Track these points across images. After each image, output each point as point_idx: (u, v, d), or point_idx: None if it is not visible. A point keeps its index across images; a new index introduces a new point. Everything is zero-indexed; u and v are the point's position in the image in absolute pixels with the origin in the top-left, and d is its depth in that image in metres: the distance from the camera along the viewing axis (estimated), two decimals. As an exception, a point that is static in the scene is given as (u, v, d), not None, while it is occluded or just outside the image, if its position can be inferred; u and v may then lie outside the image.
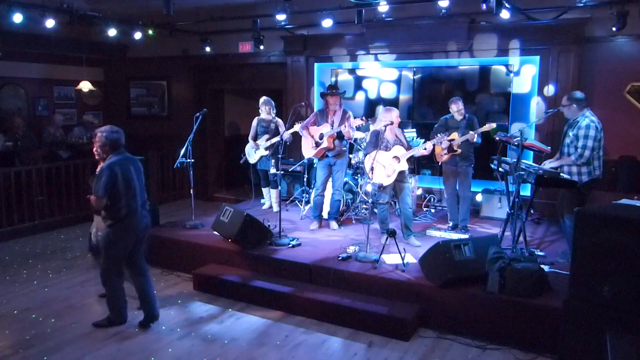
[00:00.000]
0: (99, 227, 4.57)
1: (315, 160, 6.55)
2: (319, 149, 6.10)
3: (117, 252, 4.28)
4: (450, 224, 6.25)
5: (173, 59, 9.80)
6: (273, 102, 7.11)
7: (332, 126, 6.02)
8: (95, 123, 10.18)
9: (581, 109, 4.93)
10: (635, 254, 3.01)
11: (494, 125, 5.76)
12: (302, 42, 8.20)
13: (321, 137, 6.08)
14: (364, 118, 5.94)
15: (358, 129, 6.18)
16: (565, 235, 5.21)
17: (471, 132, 5.73)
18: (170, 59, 9.84)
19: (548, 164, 5.10)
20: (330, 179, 6.30)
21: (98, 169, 4.23)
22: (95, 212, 4.65)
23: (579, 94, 4.99)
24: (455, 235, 5.73)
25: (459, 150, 5.83)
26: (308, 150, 6.24)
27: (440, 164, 6.20)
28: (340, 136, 6.05)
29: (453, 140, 5.84)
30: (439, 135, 5.70)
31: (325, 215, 6.47)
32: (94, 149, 4.29)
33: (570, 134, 4.96)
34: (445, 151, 5.90)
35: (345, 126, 5.89)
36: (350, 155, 6.88)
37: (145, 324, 4.49)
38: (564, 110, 5.03)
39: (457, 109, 5.94)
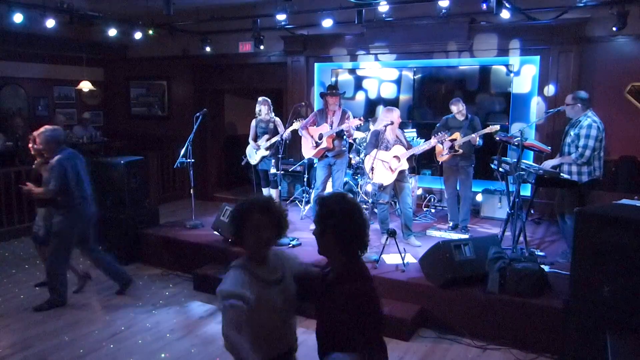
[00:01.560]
0: (43, 218, 5.08)
1: (316, 160, 6.55)
2: (318, 149, 6.09)
3: (70, 237, 4.79)
4: (451, 224, 6.25)
5: (173, 59, 9.80)
6: (270, 102, 7.10)
7: (332, 126, 6.02)
8: (90, 119, 10.12)
9: (585, 109, 4.93)
10: (635, 254, 3.01)
11: (497, 127, 5.77)
12: (302, 42, 8.20)
13: (320, 137, 6.08)
14: (362, 118, 5.93)
15: (357, 128, 6.18)
16: (565, 235, 5.21)
17: (473, 135, 5.73)
18: (170, 59, 9.84)
19: (549, 163, 5.10)
20: (331, 179, 6.30)
21: (49, 165, 4.66)
22: (41, 206, 5.08)
23: (584, 94, 4.99)
24: (455, 235, 5.72)
25: (461, 151, 5.84)
26: (308, 150, 6.23)
27: (440, 163, 6.20)
28: (339, 136, 6.05)
29: (455, 140, 5.84)
30: (439, 134, 5.69)
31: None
32: (31, 145, 4.87)
33: (572, 133, 4.95)
34: (446, 151, 5.90)
35: (346, 126, 5.89)
36: (350, 155, 6.88)
37: (122, 290, 5.23)
38: (567, 109, 5.02)
39: (458, 110, 5.94)
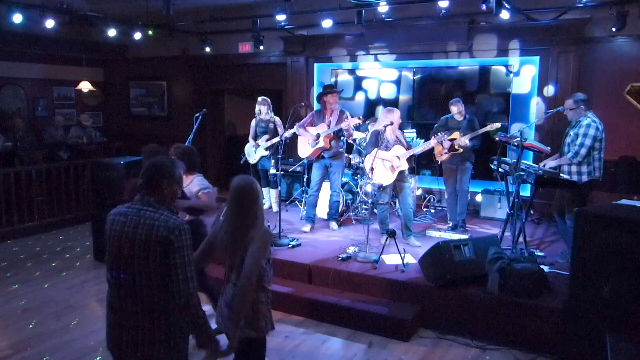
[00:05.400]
0: None
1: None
2: (314, 148, 6.00)
3: None
4: (450, 224, 6.25)
5: (173, 59, 9.80)
6: (270, 102, 7.10)
7: (329, 126, 5.95)
8: (87, 123, 10.09)
9: (586, 109, 4.94)
10: (635, 254, 3.01)
11: (498, 125, 5.80)
12: (302, 42, 8.20)
13: (318, 137, 6.01)
14: (361, 117, 5.88)
15: (357, 128, 6.13)
16: (564, 235, 5.21)
17: (480, 131, 5.78)
18: (170, 59, 9.84)
19: (547, 164, 5.10)
20: (328, 181, 6.26)
21: None
22: None
23: (583, 95, 5.00)
24: (455, 236, 5.73)
25: (461, 150, 5.85)
26: (304, 150, 6.14)
27: (440, 163, 6.20)
28: (337, 136, 5.98)
29: (455, 139, 5.86)
30: (439, 134, 5.69)
31: (322, 215, 6.47)
32: None
33: (572, 133, 4.96)
34: (446, 150, 5.92)
35: (346, 124, 5.81)
36: (350, 156, 6.88)
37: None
38: (570, 113, 5.00)
39: (457, 110, 5.95)
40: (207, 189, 4.18)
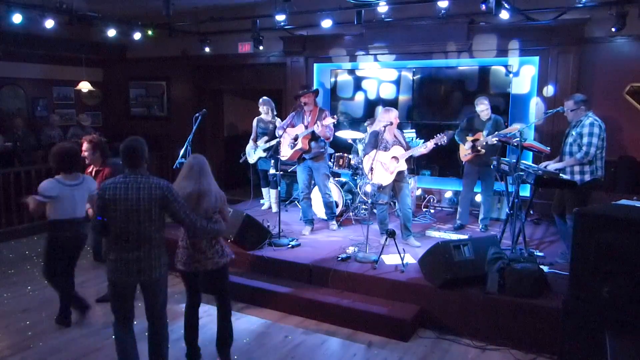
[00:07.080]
0: None
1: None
2: (294, 150, 5.91)
3: None
4: (458, 222, 6.25)
5: (172, 60, 9.81)
6: (272, 103, 7.09)
7: (307, 127, 5.84)
8: (85, 123, 10.04)
9: (587, 109, 4.94)
10: (635, 254, 3.01)
11: (518, 126, 5.82)
12: (302, 42, 8.20)
13: (296, 138, 5.91)
14: (335, 116, 5.79)
15: (335, 126, 5.96)
16: (563, 235, 5.21)
17: (494, 139, 5.73)
18: (169, 60, 9.84)
19: (551, 166, 5.07)
20: (316, 185, 6.20)
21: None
22: None
23: (582, 96, 4.99)
24: (454, 236, 5.73)
25: (483, 151, 5.83)
26: (285, 151, 6.02)
27: (464, 162, 6.19)
28: (316, 137, 5.86)
29: (477, 140, 5.85)
30: (438, 135, 5.64)
31: (322, 215, 6.47)
32: None
33: (574, 132, 4.94)
34: (469, 151, 5.91)
35: (318, 125, 5.67)
36: (350, 156, 6.88)
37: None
38: (570, 114, 4.99)
39: (484, 107, 5.95)
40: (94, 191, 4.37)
